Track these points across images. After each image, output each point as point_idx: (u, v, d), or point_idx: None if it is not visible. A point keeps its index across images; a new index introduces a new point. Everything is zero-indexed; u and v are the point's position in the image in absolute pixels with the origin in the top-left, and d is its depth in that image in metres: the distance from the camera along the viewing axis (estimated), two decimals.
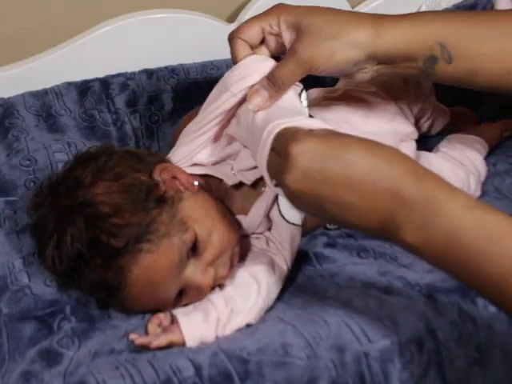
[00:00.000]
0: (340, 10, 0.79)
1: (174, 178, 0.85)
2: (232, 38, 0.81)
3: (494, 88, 0.82)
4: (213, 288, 0.83)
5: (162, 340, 0.76)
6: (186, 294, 0.82)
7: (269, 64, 0.79)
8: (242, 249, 0.86)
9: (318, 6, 0.79)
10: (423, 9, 1.31)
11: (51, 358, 0.76)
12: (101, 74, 1.14)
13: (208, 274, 0.81)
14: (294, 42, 0.77)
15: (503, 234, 0.60)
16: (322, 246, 0.93)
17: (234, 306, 0.80)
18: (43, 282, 0.84)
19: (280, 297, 0.84)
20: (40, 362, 0.76)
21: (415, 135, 1.02)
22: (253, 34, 0.80)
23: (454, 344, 0.76)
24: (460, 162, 1.01)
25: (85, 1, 1.18)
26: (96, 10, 1.18)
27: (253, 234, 0.89)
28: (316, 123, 0.70)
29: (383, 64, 0.79)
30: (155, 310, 0.82)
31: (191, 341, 0.77)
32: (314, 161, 0.65)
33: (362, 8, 1.31)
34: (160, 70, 1.16)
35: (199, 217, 0.82)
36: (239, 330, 0.78)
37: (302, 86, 0.79)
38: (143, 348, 0.76)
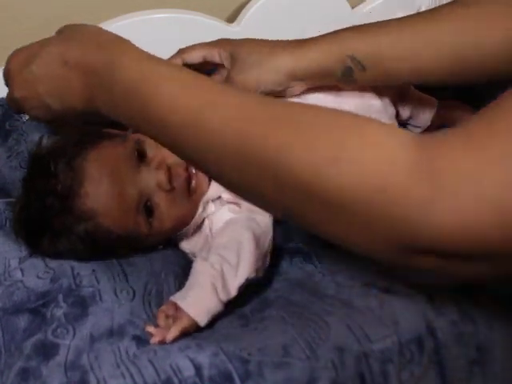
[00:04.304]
0: (266, 41, 0.91)
1: None
2: (175, 54, 0.93)
3: (409, 83, 1.01)
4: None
5: (174, 331, 0.75)
6: (155, 207, 0.86)
7: None
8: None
9: (249, 39, 0.92)
10: (422, 9, 1.30)
11: (47, 350, 0.75)
12: None
13: (162, 169, 0.85)
14: (230, 69, 0.90)
15: (160, 80, 0.63)
16: (322, 244, 0.93)
17: (224, 266, 0.80)
18: (36, 275, 0.84)
19: (280, 293, 0.85)
20: (36, 357, 0.75)
21: (391, 111, 1.02)
22: (194, 57, 0.92)
23: (454, 344, 0.76)
24: None
25: (85, 1, 1.18)
26: (96, 10, 1.18)
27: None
28: None
29: (307, 79, 0.90)
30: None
31: (201, 318, 0.77)
32: (22, 64, 0.74)
33: (362, 8, 1.30)
34: None
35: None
36: (241, 327, 0.78)
37: None
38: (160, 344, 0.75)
